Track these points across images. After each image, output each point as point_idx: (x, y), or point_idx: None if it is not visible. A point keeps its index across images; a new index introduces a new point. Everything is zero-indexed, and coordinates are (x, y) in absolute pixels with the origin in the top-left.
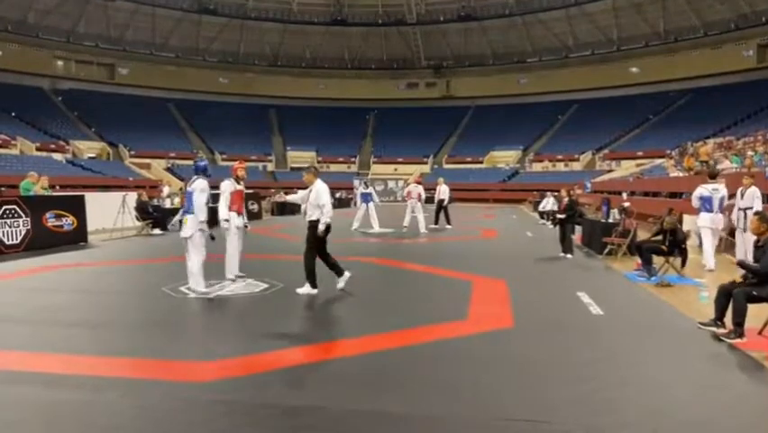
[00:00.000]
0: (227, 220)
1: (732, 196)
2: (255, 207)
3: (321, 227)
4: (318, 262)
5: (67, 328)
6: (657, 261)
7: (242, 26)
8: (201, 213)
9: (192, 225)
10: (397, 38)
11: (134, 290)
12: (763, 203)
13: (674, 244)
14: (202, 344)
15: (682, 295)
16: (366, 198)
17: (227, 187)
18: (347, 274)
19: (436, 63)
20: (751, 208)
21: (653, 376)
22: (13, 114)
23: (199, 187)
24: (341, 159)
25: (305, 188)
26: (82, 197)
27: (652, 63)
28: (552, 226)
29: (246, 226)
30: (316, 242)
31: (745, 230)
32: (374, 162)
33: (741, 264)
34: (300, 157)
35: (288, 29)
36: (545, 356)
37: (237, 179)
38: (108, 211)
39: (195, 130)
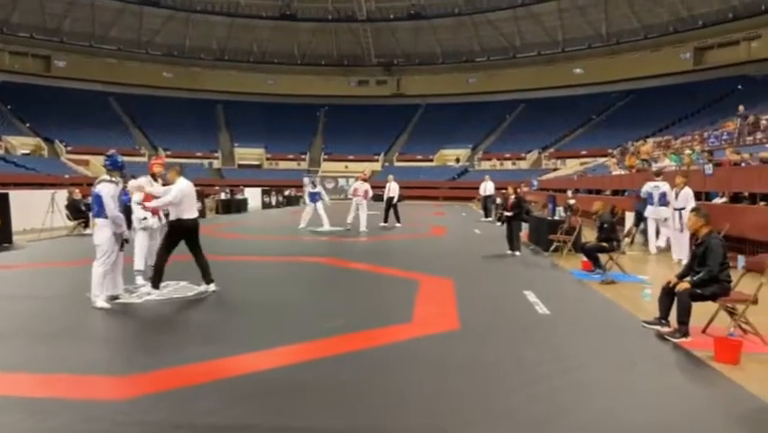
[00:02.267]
0: (144, 219)
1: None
2: (199, 205)
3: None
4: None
5: None
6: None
7: (187, 19)
8: (117, 223)
9: (102, 232)
10: (348, 35)
11: (54, 296)
12: (702, 200)
13: (612, 239)
14: (122, 356)
15: (626, 292)
16: (314, 197)
17: (144, 183)
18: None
19: (387, 61)
20: (684, 209)
21: (601, 378)
22: None
23: (108, 192)
24: (290, 156)
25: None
26: (6, 195)
27: (594, 64)
28: (500, 224)
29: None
30: (169, 240)
31: (681, 230)
32: (324, 160)
33: (693, 285)
34: (248, 153)
35: (236, 23)
36: (492, 359)
37: (154, 177)
38: (37, 210)
39: (137, 125)
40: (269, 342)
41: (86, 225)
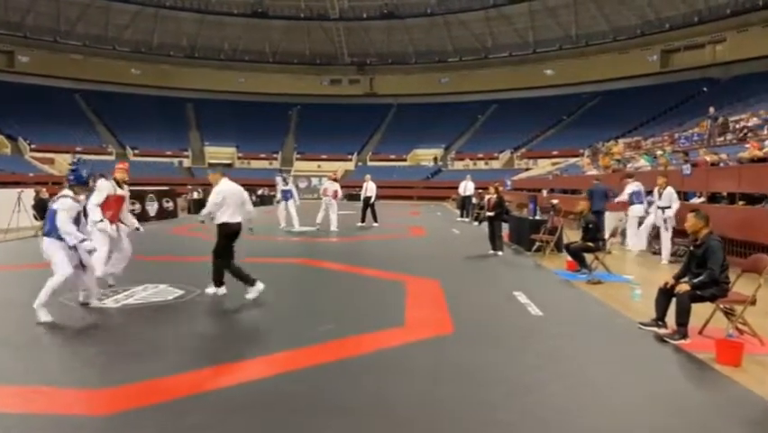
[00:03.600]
0: (101, 221)
1: (649, 192)
2: (171, 204)
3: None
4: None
5: None
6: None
7: (155, 15)
8: (69, 238)
9: (52, 247)
10: (320, 33)
11: (21, 301)
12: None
13: (597, 239)
14: (101, 365)
15: (614, 292)
16: (286, 194)
17: (105, 187)
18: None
19: (360, 60)
20: (669, 207)
21: (603, 382)
22: None
23: (64, 206)
24: (262, 155)
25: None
26: None
27: (565, 66)
28: (477, 224)
29: (138, 229)
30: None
31: (666, 229)
32: (297, 159)
33: (694, 287)
34: (219, 153)
35: (206, 19)
36: (490, 364)
37: (118, 183)
38: (1, 210)
39: (104, 123)
40: (255, 350)
41: None
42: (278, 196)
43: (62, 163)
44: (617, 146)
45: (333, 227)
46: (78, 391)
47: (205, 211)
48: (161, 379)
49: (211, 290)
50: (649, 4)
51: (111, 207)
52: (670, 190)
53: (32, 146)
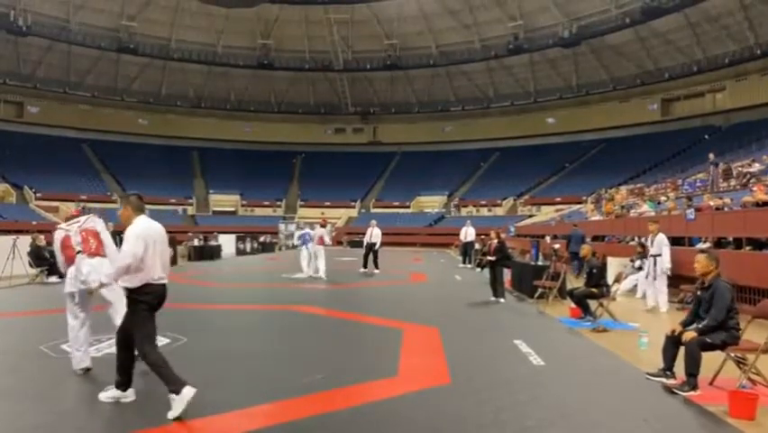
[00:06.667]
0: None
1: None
2: (170, 252)
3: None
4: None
5: None
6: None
7: (164, 67)
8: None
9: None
10: (325, 83)
11: (10, 349)
12: (685, 246)
13: (602, 285)
14: (75, 421)
15: (620, 341)
16: (304, 238)
17: (57, 235)
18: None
19: (363, 109)
20: (660, 255)
21: None
22: None
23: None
24: (266, 202)
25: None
26: None
27: (566, 114)
28: (479, 270)
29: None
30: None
31: (655, 278)
32: (301, 206)
33: (701, 332)
34: (223, 200)
35: (213, 71)
36: (490, 419)
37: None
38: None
39: (110, 172)
40: (240, 400)
41: (50, 272)
42: (296, 241)
43: (66, 211)
44: (619, 193)
45: (321, 274)
46: None
47: (115, 269)
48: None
49: (111, 393)
50: (648, 56)
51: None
52: (661, 237)
53: (38, 195)
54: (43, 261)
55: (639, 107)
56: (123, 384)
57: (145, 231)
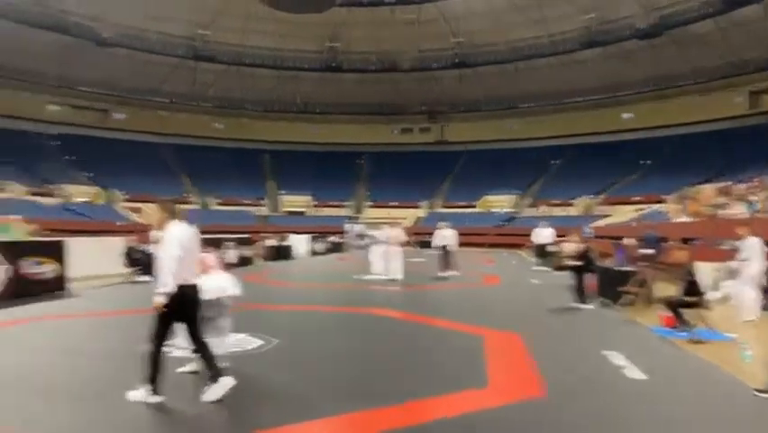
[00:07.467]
0: None
1: None
2: (248, 252)
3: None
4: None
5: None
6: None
7: (237, 72)
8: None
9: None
10: (391, 84)
11: (100, 350)
12: None
13: (698, 292)
14: (171, 422)
15: (721, 352)
16: (372, 239)
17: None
18: (224, 382)
19: (430, 109)
20: (749, 261)
21: None
22: (4, 159)
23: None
24: (334, 202)
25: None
26: (62, 242)
27: (643, 109)
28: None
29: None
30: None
31: (746, 284)
32: (369, 207)
33: None
34: (294, 201)
35: (282, 75)
36: None
37: None
38: (97, 257)
39: (188, 174)
40: (329, 408)
41: (144, 272)
42: (362, 242)
43: (147, 212)
44: (705, 191)
45: (397, 275)
46: None
47: (165, 277)
48: None
49: (213, 391)
50: (729, 47)
51: None
52: (753, 241)
53: (125, 196)
54: (135, 261)
55: (723, 100)
56: (215, 375)
57: (181, 234)
